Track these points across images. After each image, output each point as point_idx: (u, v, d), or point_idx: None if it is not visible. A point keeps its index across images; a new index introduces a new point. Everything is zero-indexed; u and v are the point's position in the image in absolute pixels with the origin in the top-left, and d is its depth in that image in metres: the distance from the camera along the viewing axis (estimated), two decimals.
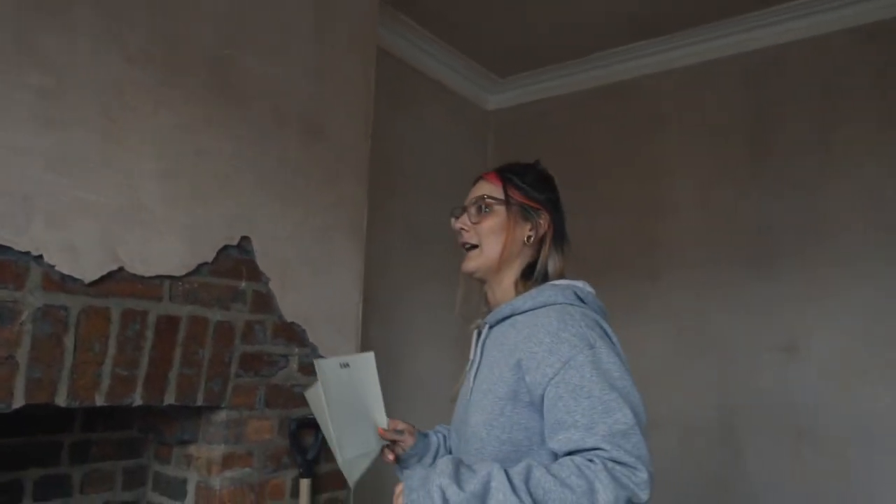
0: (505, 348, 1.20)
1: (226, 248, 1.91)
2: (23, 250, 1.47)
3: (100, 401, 1.59)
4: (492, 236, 1.28)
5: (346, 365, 1.36)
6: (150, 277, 1.71)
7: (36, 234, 1.50)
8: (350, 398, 1.33)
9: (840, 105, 2.78)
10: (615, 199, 3.33)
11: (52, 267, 1.52)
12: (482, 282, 1.35)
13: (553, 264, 1.30)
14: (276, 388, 2.02)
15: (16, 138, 1.49)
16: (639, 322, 3.10)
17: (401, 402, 2.77)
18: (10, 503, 1.74)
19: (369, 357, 1.42)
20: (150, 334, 1.70)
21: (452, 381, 1.48)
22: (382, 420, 1.38)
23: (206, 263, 1.85)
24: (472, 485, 0.99)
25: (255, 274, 1.98)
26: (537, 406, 1.13)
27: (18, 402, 1.44)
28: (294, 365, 2.07)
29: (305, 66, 2.20)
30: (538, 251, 1.31)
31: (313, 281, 2.16)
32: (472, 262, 1.30)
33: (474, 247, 1.31)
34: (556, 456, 1.10)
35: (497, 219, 1.29)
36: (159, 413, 1.93)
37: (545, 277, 1.29)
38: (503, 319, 1.26)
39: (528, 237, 1.30)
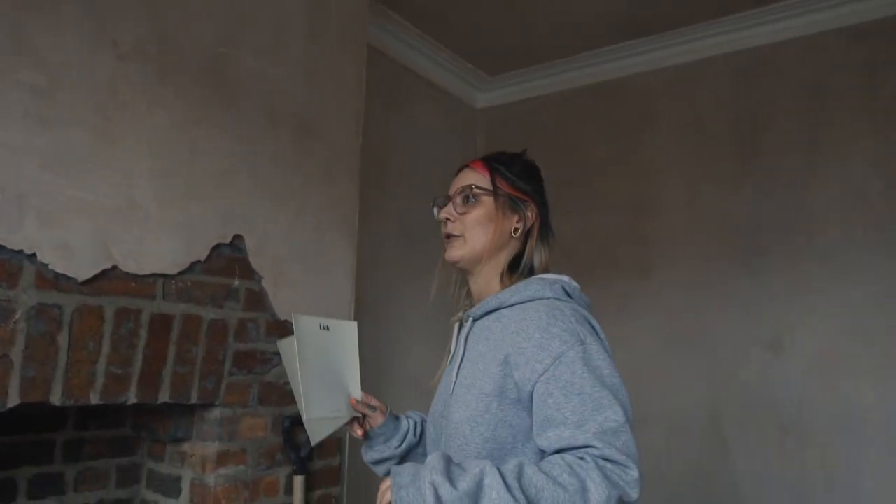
0: (491, 342, 1.17)
1: (219, 246, 1.91)
2: (16, 249, 1.47)
3: (94, 399, 1.59)
4: (478, 227, 1.24)
5: (327, 328, 1.32)
6: (144, 276, 1.72)
7: (29, 232, 1.50)
8: (324, 360, 1.30)
9: (830, 104, 2.81)
10: (606, 196, 3.35)
11: (46, 265, 1.52)
12: (465, 272, 1.31)
13: (539, 257, 1.28)
14: (270, 385, 2.03)
15: (9, 137, 1.48)
16: (629, 318, 3.13)
17: (392, 398, 2.76)
18: (5, 501, 1.74)
19: (352, 326, 1.39)
20: (143, 333, 1.71)
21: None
22: (356, 391, 1.34)
23: (199, 262, 1.86)
24: (465, 483, 0.95)
25: (247, 272, 1.99)
26: (524, 403, 1.10)
27: (13, 400, 1.44)
28: None
29: (298, 65, 2.20)
30: (524, 244, 1.28)
31: (306, 279, 2.17)
32: (458, 251, 1.25)
33: (458, 237, 1.26)
34: (542, 454, 1.08)
35: (484, 209, 1.25)
36: (153, 411, 1.93)
37: (531, 271, 1.27)
38: (488, 313, 1.23)
39: (516, 229, 1.26)
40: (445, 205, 1.30)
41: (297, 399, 1.28)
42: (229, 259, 1.94)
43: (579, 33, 3.23)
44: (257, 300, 2.01)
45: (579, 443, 1.00)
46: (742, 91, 3.04)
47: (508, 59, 3.54)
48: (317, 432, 1.28)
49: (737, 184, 2.98)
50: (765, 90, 2.98)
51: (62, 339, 1.53)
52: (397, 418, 1.40)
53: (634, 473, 0.98)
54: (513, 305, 1.19)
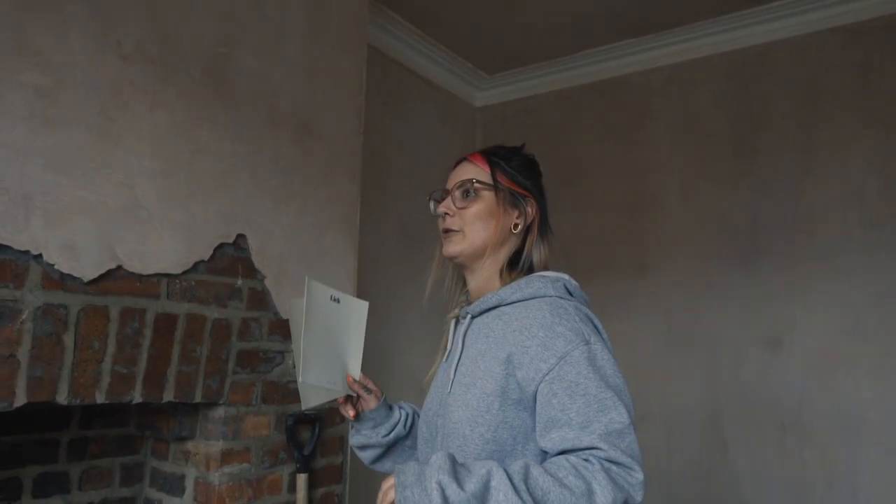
0: (491, 340, 1.15)
1: (222, 245, 1.92)
2: (22, 249, 1.48)
3: (100, 398, 1.60)
4: (478, 223, 1.21)
5: (337, 300, 1.30)
6: (148, 276, 1.73)
7: (35, 232, 1.50)
8: (329, 330, 1.28)
9: (825, 103, 2.83)
10: (604, 195, 3.36)
11: (52, 266, 1.52)
12: (462, 268, 1.28)
13: (538, 254, 1.25)
14: (273, 384, 2.04)
15: (14, 137, 1.49)
16: (628, 317, 3.15)
17: (391, 396, 2.77)
18: (10, 500, 1.75)
19: (363, 305, 1.36)
20: (148, 332, 1.71)
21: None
22: (356, 370, 1.32)
23: (202, 261, 1.86)
24: (472, 484, 0.93)
25: (250, 271, 2.00)
26: (526, 403, 1.08)
27: (20, 400, 1.45)
28: (290, 361, 2.09)
29: (298, 65, 2.21)
30: (523, 240, 1.25)
31: None
32: (456, 246, 1.22)
33: (457, 232, 1.22)
34: (543, 455, 1.07)
35: (484, 204, 1.22)
36: (157, 410, 1.94)
37: (530, 268, 1.25)
38: (488, 310, 1.20)
39: (516, 225, 1.23)
40: (443, 199, 1.26)
41: (295, 358, 1.24)
42: (232, 259, 1.95)
43: (577, 32, 3.24)
44: (260, 299, 2.02)
45: (584, 444, 0.98)
46: (738, 90, 3.06)
47: (507, 58, 3.56)
48: (308, 398, 1.26)
49: (734, 183, 3.00)
50: (761, 89, 3.00)
51: (68, 339, 1.54)
52: (390, 407, 1.37)
53: (640, 476, 0.97)
54: (514, 303, 1.17)
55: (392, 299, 3.09)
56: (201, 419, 1.92)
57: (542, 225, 1.27)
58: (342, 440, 2.26)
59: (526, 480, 0.94)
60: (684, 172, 3.15)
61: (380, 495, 1.00)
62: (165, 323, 1.75)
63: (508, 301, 1.18)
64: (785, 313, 2.80)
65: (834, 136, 2.79)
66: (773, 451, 2.75)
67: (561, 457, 0.99)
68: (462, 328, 1.24)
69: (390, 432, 1.34)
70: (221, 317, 1.90)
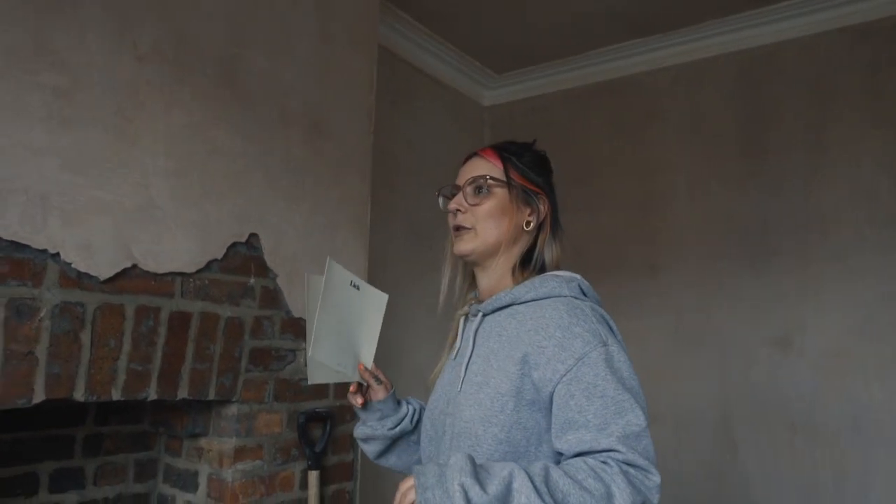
0: (504, 339, 1.13)
1: (235, 244, 1.94)
2: (40, 248, 1.50)
3: (116, 395, 1.62)
4: (490, 220, 1.19)
5: (357, 287, 1.29)
6: (163, 274, 1.74)
7: (52, 232, 1.52)
8: (345, 314, 1.26)
9: (834, 103, 2.83)
10: (613, 195, 3.37)
11: (69, 264, 1.54)
12: (473, 266, 1.26)
13: (550, 253, 1.23)
14: (285, 382, 2.06)
15: (32, 138, 1.51)
16: (639, 317, 3.15)
17: (400, 393, 2.80)
18: (27, 495, 1.77)
19: (382, 297, 1.35)
20: (163, 330, 1.73)
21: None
22: (368, 359, 1.31)
23: (216, 260, 1.88)
24: (494, 486, 0.91)
25: (263, 270, 2.01)
26: (541, 404, 1.07)
27: (39, 397, 1.47)
28: (301, 359, 2.11)
29: (309, 65, 2.23)
30: (535, 238, 1.23)
31: None
32: (468, 244, 1.20)
33: (469, 229, 1.20)
34: (557, 456, 1.06)
35: (497, 201, 1.20)
36: (171, 407, 1.96)
37: (542, 267, 1.23)
38: (500, 308, 1.18)
39: (528, 222, 1.21)
40: (454, 195, 1.24)
41: (307, 333, 1.24)
42: (245, 257, 1.97)
43: (585, 32, 3.25)
44: (272, 298, 2.04)
45: (602, 447, 0.97)
46: (747, 90, 3.06)
47: (515, 58, 3.57)
48: (315, 374, 1.25)
49: (743, 183, 3.00)
50: (769, 89, 3.00)
51: (85, 337, 1.56)
52: (399, 401, 1.36)
53: (657, 479, 0.97)
54: (528, 302, 1.15)
55: (401, 297, 3.09)
56: (214, 416, 1.94)
57: (554, 223, 1.25)
58: (353, 438, 2.28)
59: (547, 482, 0.93)
60: (693, 172, 3.15)
61: (398, 496, 0.97)
62: (179, 321, 1.77)
63: (522, 300, 1.16)
64: (795, 313, 2.80)
65: (843, 137, 2.79)
66: (784, 452, 2.75)
67: (579, 459, 0.98)
68: (473, 326, 1.22)
69: (396, 426, 1.33)
70: (234, 315, 1.92)
